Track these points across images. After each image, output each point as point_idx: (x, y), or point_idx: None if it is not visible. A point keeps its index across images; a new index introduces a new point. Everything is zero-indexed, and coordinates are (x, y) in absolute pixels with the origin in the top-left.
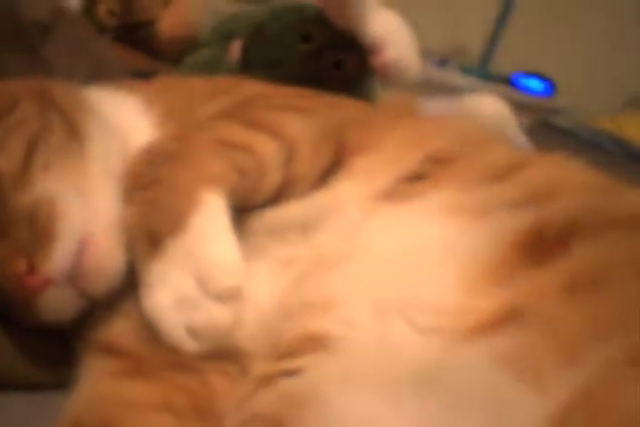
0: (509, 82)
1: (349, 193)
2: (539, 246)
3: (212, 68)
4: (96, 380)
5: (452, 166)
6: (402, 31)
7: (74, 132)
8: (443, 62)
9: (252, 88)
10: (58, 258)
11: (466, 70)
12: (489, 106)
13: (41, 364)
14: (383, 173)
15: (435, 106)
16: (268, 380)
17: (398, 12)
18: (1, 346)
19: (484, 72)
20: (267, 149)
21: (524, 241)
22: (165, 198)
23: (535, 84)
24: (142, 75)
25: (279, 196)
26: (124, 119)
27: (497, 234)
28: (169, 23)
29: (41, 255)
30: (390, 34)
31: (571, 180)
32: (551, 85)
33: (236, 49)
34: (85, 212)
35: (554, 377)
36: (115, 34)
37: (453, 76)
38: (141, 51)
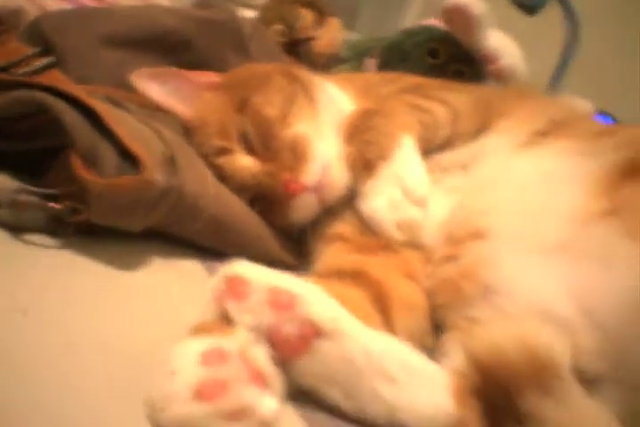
0: None
1: (496, 143)
2: (633, 172)
3: None
4: (335, 253)
5: (567, 127)
6: (510, 45)
7: (310, 97)
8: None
9: (413, 79)
10: (310, 173)
11: None
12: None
13: (287, 249)
14: (519, 130)
15: None
16: (448, 258)
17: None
18: (267, 235)
19: None
20: (440, 112)
21: (623, 168)
22: (377, 139)
23: None
24: None
25: (447, 145)
26: (333, 93)
27: (605, 164)
28: (321, 42)
29: (299, 170)
30: (502, 47)
31: None
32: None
33: (371, 64)
34: (323, 146)
35: None
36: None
37: None
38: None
